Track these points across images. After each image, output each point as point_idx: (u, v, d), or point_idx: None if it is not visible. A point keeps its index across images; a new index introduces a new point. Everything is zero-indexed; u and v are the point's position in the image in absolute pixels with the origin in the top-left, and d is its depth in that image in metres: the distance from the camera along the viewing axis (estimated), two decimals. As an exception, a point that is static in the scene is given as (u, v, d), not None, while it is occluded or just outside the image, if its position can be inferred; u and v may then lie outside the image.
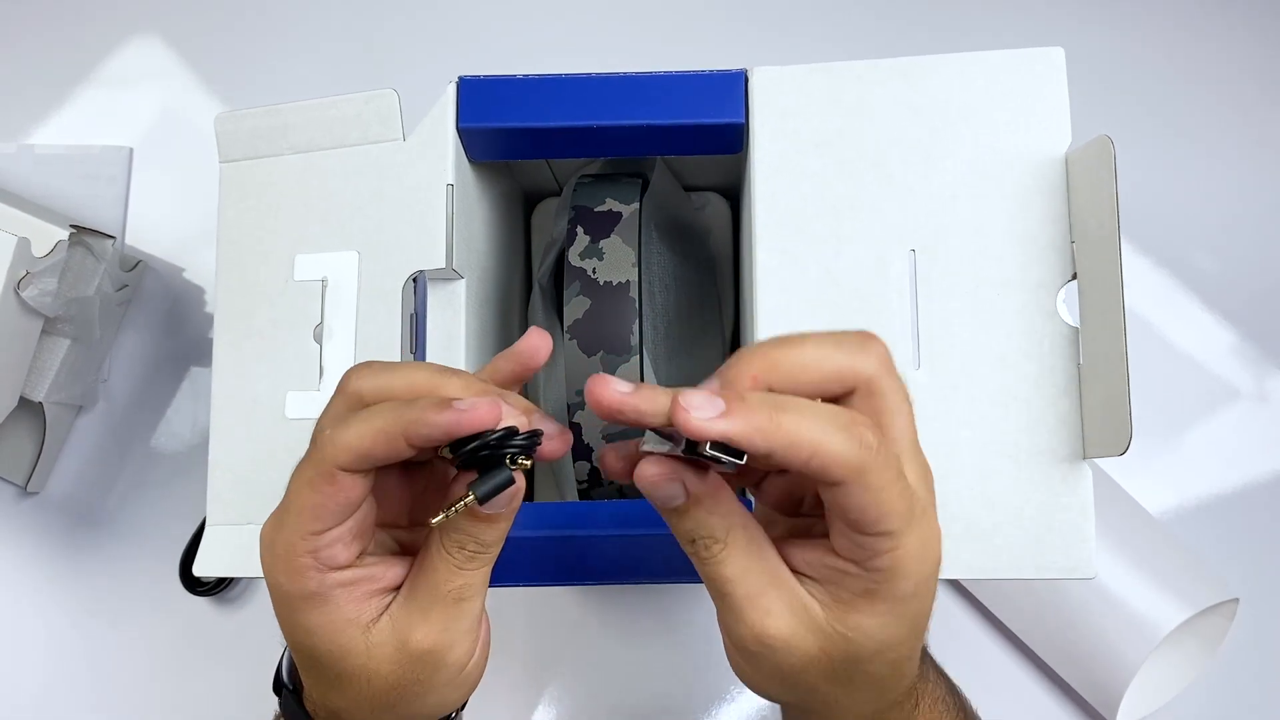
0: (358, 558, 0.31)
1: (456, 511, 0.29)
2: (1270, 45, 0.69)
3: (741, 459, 0.26)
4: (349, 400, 0.30)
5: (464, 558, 0.30)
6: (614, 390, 0.27)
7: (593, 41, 0.71)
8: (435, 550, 0.31)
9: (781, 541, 0.31)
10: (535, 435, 0.29)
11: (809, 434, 0.26)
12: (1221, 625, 0.57)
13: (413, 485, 0.33)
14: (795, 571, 0.30)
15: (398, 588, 0.32)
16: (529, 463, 0.29)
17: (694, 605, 0.62)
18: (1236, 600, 0.56)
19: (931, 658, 0.38)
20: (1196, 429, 0.64)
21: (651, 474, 0.28)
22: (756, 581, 0.29)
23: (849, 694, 0.31)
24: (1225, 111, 0.68)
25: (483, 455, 0.28)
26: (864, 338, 0.29)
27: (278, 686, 0.36)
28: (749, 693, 0.60)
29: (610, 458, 0.30)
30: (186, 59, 0.72)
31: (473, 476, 0.29)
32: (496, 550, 0.31)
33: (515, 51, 0.71)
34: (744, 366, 0.28)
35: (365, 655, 0.31)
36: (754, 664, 0.31)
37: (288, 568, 0.30)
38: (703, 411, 0.26)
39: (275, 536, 0.30)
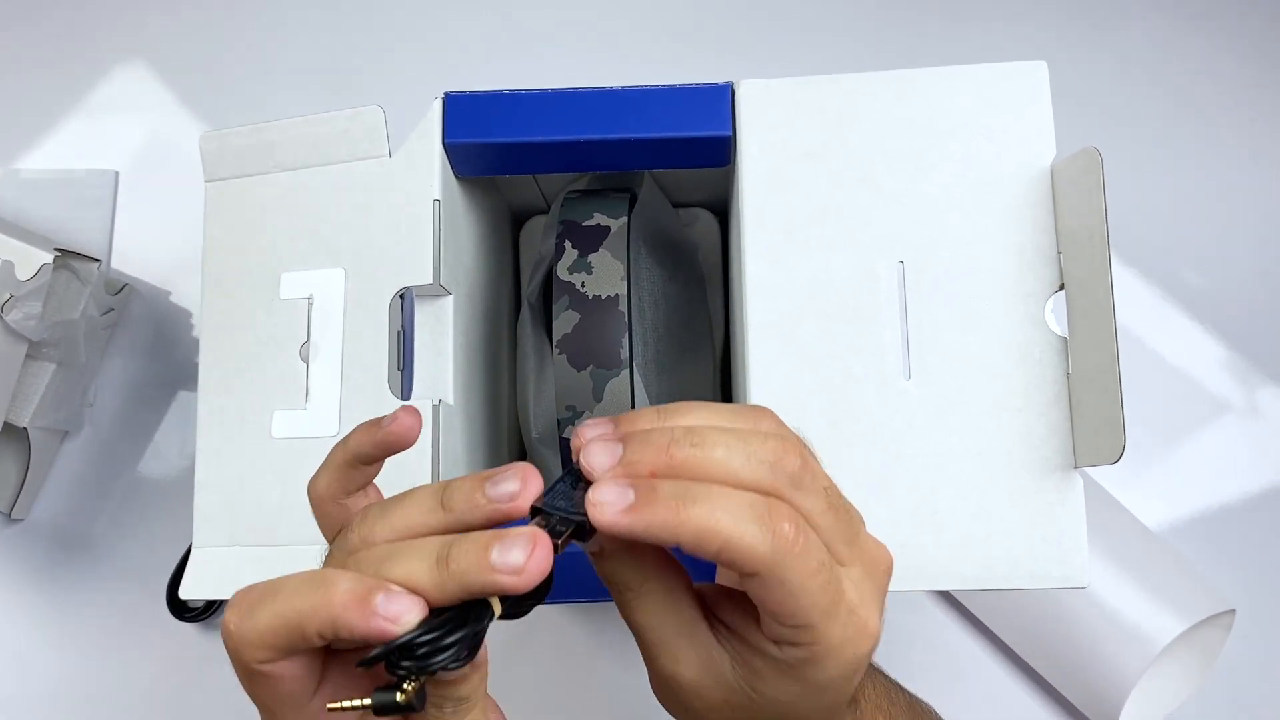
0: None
1: (347, 709, 0.26)
2: (1252, 59, 0.69)
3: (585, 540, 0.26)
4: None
5: (449, 713, 0.27)
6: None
7: (578, 57, 0.71)
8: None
9: (719, 589, 0.31)
10: (469, 640, 0.25)
11: (719, 526, 0.25)
12: (1219, 637, 0.57)
13: None
14: (721, 620, 0.30)
15: None
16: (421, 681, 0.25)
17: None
18: (1233, 611, 0.56)
19: (876, 670, 0.38)
20: (1188, 442, 0.64)
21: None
22: (668, 630, 0.29)
23: None
24: (1209, 124, 0.69)
25: (392, 667, 0.25)
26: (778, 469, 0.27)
27: None
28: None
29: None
30: (170, 85, 0.72)
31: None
32: (480, 693, 0.28)
33: (499, 67, 0.71)
34: (648, 454, 0.26)
35: None
36: (666, 696, 0.31)
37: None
38: (611, 505, 0.25)
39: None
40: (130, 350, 0.67)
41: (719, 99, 0.42)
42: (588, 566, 0.37)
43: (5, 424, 0.59)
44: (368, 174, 0.43)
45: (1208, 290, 0.66)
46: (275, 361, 0.43)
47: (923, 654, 0.61)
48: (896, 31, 0.71)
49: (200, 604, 0.61)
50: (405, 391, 0.43)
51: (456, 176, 0.45)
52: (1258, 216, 0.67)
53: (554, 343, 0.43)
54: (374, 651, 0.24)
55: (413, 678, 0.24)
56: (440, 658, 0.24)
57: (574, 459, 0.28)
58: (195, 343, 0.68)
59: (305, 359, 0.43)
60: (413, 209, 0.43)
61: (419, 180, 0.43)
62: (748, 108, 0.42)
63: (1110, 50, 0.70)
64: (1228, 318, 0.65)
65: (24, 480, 0.62)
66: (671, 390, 0.53)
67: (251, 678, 0.26)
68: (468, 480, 0.27)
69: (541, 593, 0.27)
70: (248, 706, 0.28)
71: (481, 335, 0.50)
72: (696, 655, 0.29)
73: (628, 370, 0.43)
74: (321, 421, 0.42)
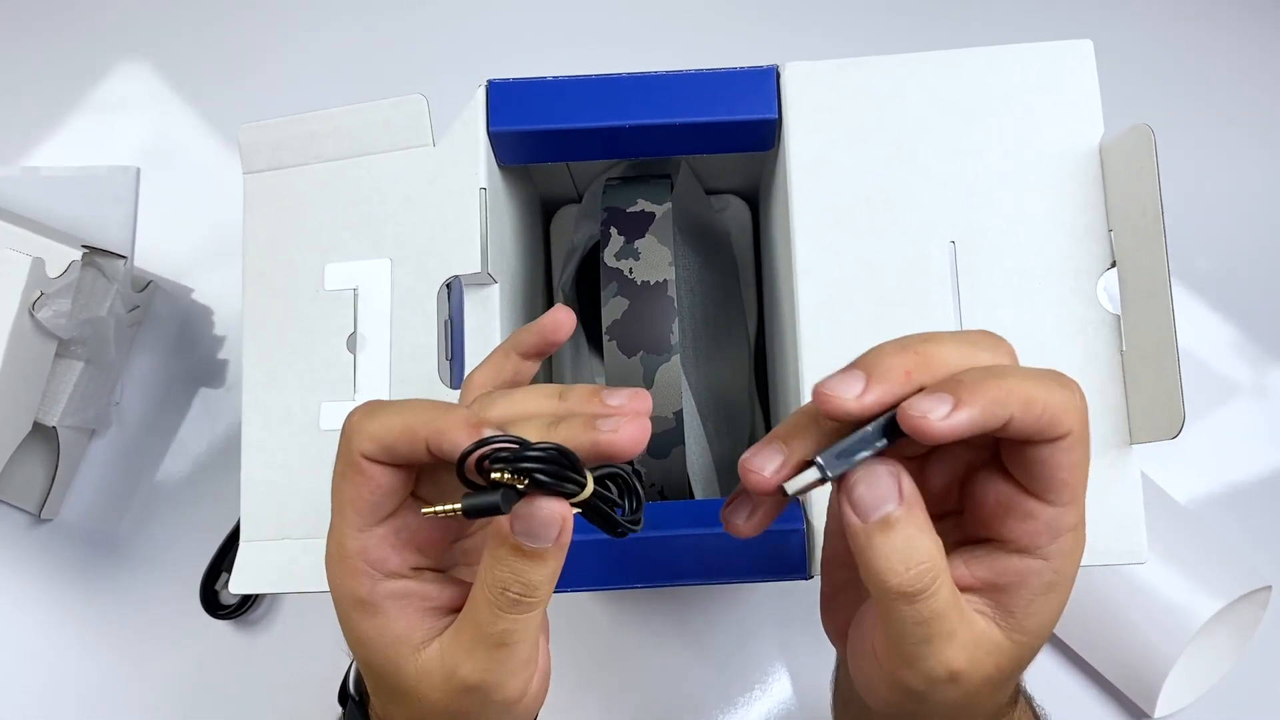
0: (414, 570, 0.30)
1: (439, 514, 0.27)
2: (1261, 45, 0.69)
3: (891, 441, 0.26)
4: (354, 432, 0.29)
5: (507, 602, 0.28)
6: (843, 401, 0.26)
7: (618, 42, 0.70)
8: (479, 589, 0.28)
9: None
10: (558, 457, 0.26)
11: (1036, 392, 0.25)
12: (1255, 613, 0.57)
13: None
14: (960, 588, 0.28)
15: (456, 610, 0.30)
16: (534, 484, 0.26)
17: (712, 607, 0.62)
18: (1269, 588, 0.56)
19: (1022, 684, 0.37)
20: (1203, 423, 0.64)
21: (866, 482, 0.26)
22: (959, 613, 0.27)
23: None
24: (1219, 110, 0.69)
25: (495, 466, 0.26)
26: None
27: (343, 696, 0.35)
28: (769, 693, 0.60)
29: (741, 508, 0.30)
30: (183, 82, 0.71)
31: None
32: (544, 596, 0.28)
33: (532, 55, 0.70)
34: (893, 360, 0.26)
35: (415, 678, 0.30)
36: (914, 700, 0.29)
37: (341, 568, 0.29)
38: (937, 411, 0.24)
39: (331, 536, 0.30)
40: (155, 348, 0.67)
41: (764, 82, 0.42)
42: (608, 554, 0.37)
43: (35, 423, 0.59)
44: (412, 163, 0.43)
45: (1214, 273, 0.66)
46: (322, 353, 0.43)
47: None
48: (940, 10, 0.70)
49: (234, 601, 0.61)
50: (455, 381, 0.43)
51: (498, 165, 0.45)
52: (1266, 201, 0.67)
53: (603, 329, 0.43)
54: (472, 444, 0.26)
55: (506, 473, 0.25)
56: (531, 460, 0.25)
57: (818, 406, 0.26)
58: (218, 340, 0.67)
59: (352, 350, 0.43)
60: (459, 197, 0.42)
61: (464, 168, 0.42)
62: (793, 90, 0.42)
63: (1117, 37, 0.70)
64: (1236, 301, 0.66)
65: (52, 480, 0.62)
66: (709, 377, 0.52)
67: (346, 470, 0.28)
68: (585, 386, 0.29)
69: (624, 510, 0.28)
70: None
71: (522, 324, 0.50)
72: (970, 633, 0.28)
73: (678, 355, 0.43)
74: (371, 412, 0.42)
